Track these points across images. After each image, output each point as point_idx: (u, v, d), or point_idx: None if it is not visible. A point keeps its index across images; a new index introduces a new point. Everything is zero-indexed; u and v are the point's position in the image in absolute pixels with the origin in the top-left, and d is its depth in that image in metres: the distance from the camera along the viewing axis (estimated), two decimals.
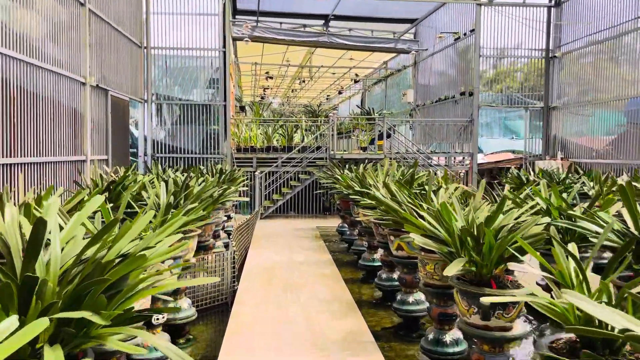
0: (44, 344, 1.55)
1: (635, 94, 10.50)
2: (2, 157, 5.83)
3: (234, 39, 14.40)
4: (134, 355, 3.24)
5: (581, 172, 9.31)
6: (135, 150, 12.77)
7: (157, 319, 3.47)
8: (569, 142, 12.74)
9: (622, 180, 7.42)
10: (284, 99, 32.05)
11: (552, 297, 2.17)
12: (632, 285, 1.79)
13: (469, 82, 13.20)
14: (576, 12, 12.42)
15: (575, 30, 12.44)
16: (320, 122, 14.40)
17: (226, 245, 7.05)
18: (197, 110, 12.21)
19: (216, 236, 6.73)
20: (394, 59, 19.54)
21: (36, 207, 2.88)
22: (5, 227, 1.84)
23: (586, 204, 4.12)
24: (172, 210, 3.89)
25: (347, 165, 9.68)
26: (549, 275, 2.11)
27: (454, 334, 3.71)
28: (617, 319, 1.43)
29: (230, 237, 6.61)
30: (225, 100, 12.18)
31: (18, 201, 3.73)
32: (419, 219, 3.21)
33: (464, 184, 11.05)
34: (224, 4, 12.05)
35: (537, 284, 4.45)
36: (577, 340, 1.98)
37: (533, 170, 10.34)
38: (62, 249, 2.05)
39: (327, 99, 31.26)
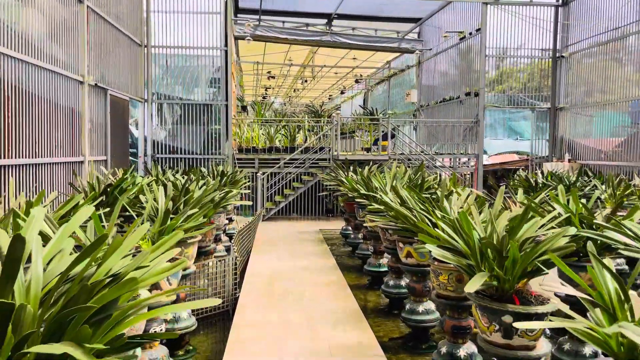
0: None
1: None
2: None
3: (236, 38, 14.21)
4: None
5: (591, 174, 9.10)
6: (135, 150, 12.56)
7: (155, 331, 3.28)
8: (576, 143, 12.53)
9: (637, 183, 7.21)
10: (285, 99, 31.84)
11: (586, 317, 1.97)
12: None
13: (474, 83, 12.99)
14: (584, 12, 12.21)
15: (583, 29, 12.22)
16: (323, 122, 14.19)
17: (227, 249, 6.84)
18: (198, 110, 12.00)
19: (217, 240, 6.53)
20: (398, 59, 19.34)
21: (25, 215, 2.69)
22: None
23: (606, 211, 3.91)
24: (172, 216, 3.69)
25: (350, 167, 9.46)
26: (585, 296, 1.91)
27: (468, 347, 3.50)
28: None
29: (232, 240, 6.41)
30: (226, 100, 11.97)
31: (8, 207, 3.53)
32: (434, 229, 3.01)
33: (469, 186, 10.83)
34: (226, 3, 11.83)
35: (555, 294, 4.24)
36: None
37: (541, 172, 10.12)
38: (49, 263, 1.86)
39: (329, 98, 31.05)
